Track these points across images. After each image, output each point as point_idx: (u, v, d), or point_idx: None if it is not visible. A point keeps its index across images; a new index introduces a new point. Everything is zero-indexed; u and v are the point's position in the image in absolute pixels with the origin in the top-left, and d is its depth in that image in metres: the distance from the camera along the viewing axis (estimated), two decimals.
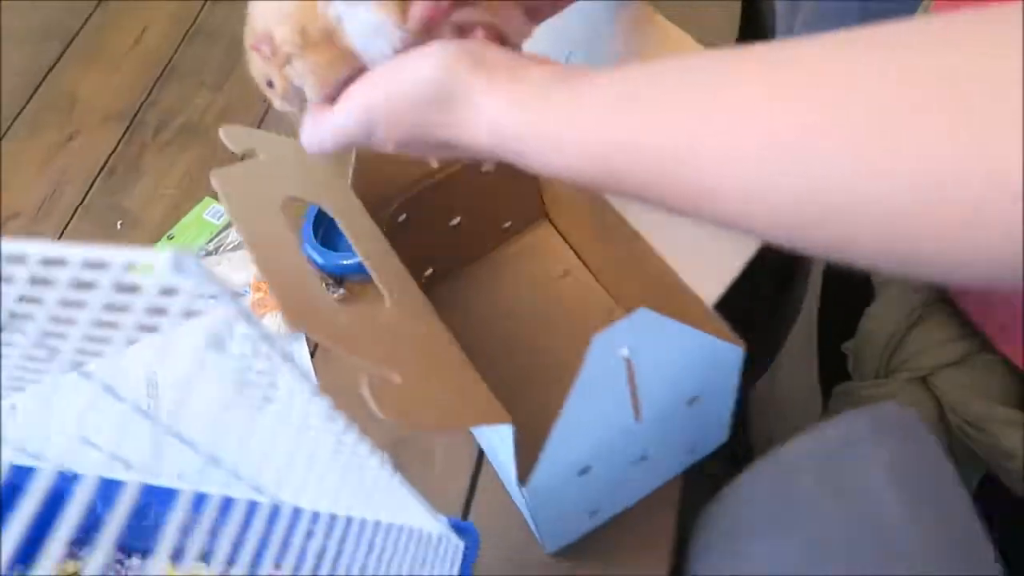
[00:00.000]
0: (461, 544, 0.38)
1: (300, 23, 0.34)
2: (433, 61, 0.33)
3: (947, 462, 0.36)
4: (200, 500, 0.22)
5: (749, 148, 0.24)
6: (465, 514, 0.54)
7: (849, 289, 0.59)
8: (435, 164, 0.52)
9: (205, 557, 0.27)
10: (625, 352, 0.37)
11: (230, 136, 0.43)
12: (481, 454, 0.56)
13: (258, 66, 0.37)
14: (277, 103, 0.38)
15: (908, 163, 0.21)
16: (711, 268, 0.42)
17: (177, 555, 0.24)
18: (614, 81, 0.29)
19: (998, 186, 0.19)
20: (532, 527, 0.50)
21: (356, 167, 0.52)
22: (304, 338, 0.63)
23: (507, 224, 0.64)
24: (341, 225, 0.42)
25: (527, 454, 0.41)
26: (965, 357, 0.48)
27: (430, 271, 0.62)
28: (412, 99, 0.33)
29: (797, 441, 0.38)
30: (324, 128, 0.36)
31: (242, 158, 0.43)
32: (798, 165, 0.23)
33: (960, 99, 0.20)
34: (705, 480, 0.56)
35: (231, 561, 0.24)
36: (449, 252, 0.62)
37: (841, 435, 0.37)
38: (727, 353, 0.43)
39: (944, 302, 0.49)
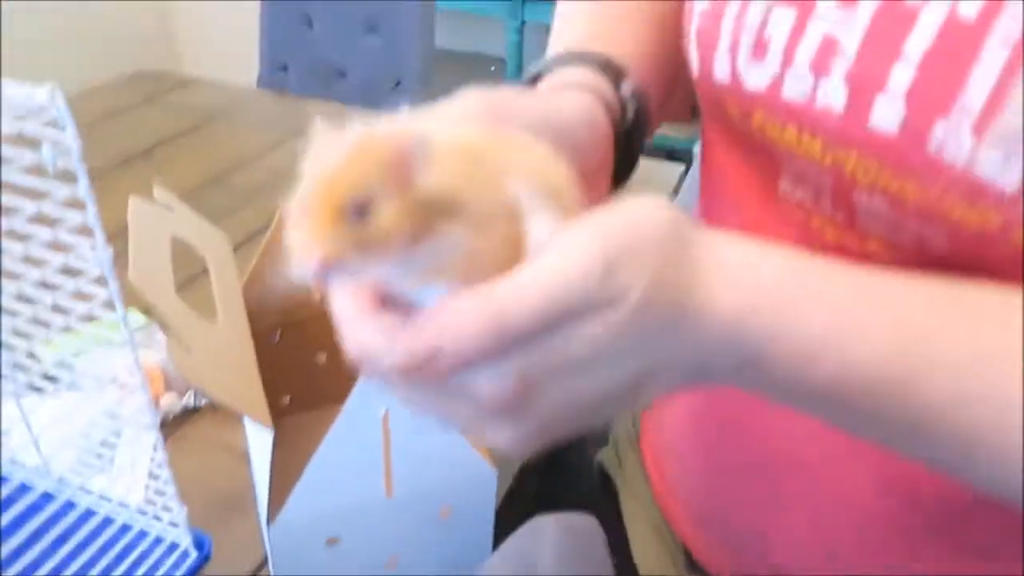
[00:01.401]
0: (193, 554, 0.43)
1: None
2: (655, 207, 0.29)
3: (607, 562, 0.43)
4: None
5: None
6: None
7: None
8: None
9: None
10: (383, 411, 0.46)
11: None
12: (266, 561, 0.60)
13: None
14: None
15: None
16: None
17: None
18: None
19: None
20: None
21: (250, 276, 0.63)
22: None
23: None
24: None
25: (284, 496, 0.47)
26: None
27: (288, 399, 0.70)
28: (654, 238, 0.28)
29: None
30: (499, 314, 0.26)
31: None
32: None
33: None
34: None
35: None
36: (309, 387, 0.71)
37: (531, 527, 0.44)
38: (481, 468, 0.51)
39: None
